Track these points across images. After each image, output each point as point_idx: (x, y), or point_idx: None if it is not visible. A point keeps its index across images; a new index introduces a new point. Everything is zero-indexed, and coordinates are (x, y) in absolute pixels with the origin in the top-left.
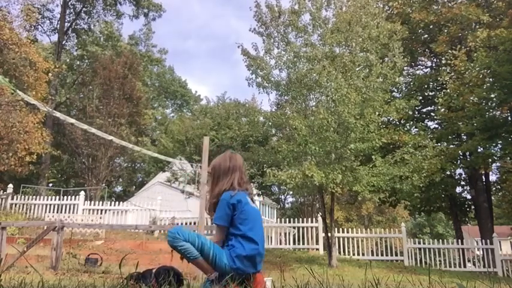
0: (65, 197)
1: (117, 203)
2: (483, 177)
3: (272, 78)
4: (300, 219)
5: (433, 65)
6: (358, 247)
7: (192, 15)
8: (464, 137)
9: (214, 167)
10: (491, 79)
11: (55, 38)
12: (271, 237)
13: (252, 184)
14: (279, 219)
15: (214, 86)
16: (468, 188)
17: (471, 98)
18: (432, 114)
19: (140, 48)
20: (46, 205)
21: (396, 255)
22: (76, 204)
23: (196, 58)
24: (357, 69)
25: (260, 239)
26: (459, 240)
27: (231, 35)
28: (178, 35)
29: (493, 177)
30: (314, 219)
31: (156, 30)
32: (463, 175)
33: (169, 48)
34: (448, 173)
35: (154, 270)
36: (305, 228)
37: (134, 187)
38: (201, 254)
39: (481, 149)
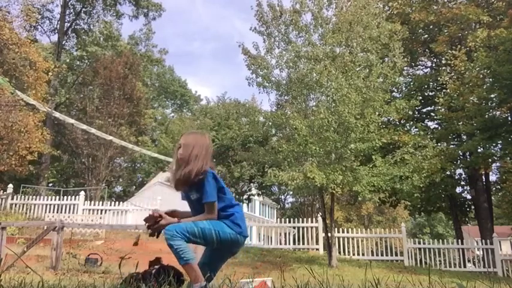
0: (65, 197)
1: (117, 203)
2: (483, 177)
3: (272, 78)
4: (300, 219)
5: (433, 65)
6: (358, 247)
7: (197, 18)
8: (464, 137)
9: (194, 145)
10: (491, 79)
11: (55, 38)
12: (271, 237)
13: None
14: (279, 219)
15: (218, 87)
16: (468, 188)
17: (471, 98)
18: (432, 114)
19: (140, 48)
20: (46, 205)
21: (396, 255)
22: (76, 204)
23: (200, 60)
24: (358, 69)
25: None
26: (459, 240)
27: (235, 36)
28: (183, 36)
29: (493, 177)
30: (314, 219)
31: (160, 32)
32: (463, 175)
33: (174, 49)
34: (448, 173)
35: (153, 271)
36: (305, 228)
37: (134, 187)
38: (205, 240)
39: (481, 149)
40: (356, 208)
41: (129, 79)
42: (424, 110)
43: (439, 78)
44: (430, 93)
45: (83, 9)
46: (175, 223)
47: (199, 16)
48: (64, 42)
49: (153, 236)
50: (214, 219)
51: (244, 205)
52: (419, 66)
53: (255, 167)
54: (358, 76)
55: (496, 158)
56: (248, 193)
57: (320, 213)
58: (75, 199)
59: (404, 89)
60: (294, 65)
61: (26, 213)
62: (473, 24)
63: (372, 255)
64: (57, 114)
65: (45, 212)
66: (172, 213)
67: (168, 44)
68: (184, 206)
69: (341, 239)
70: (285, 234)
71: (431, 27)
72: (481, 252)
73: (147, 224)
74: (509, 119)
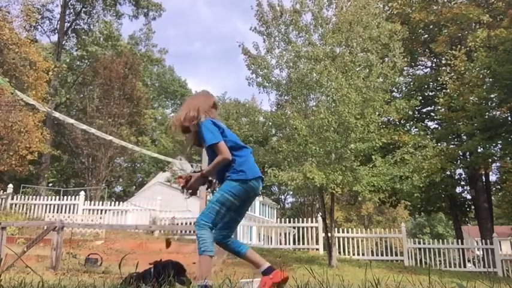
0: (65, 197)
1: (117, 203)
2: (483, 177)
3: (272, 78)
4: (300, 219)
5: (433, 65)
6: (358, 247)
7: (198, 19)
8: (464, 137)
9: (188, 101)
10: (491, 79)
11: (55, 38)
12: (271, 237)
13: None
14: (279, 219)
15: (218, 87)
16: (468, 188)
17: (471, 98)
18: (432, 114)
19: (140, 48)
20: (46, 205)
21: (396, 255)
22: (76, 204)
23: (201, 60)
24: (358, 69)
25: (239, 141)
26: (459, 240)
27: (236, 37)
28: (184, 37)
29: (493, 177)
30: (314, 219)
31: (162, 33)
32: (463, 175)
33: (175, 50)
34: (448, 173)
35: (152, 269)
36: (305, 228)
37: (134, 187)
38: (227, 206)
39: (481, 149)
40: (356, 208)
41: (129, 79)
42: (424, 110)
43: (439, 78)
44: (430, 93)
45: (83, 9)
46: (199, 177)
47: (200, 17)
48: (64, 42)
49: (193, 194)
50: (228, 157)
51: None
52: (419, 66)
53: None
54: (358, 76)
55: (496, 158)
56: None
57: (320, 213)
58: (75, 199)
59: (404, 89)
60: (294, 65)
61: (26, 213)
62: (473, 24)
63: (372, 255)
64: (57, 114)
65: (45, 212)
66: (198, 172)
67: (169, 44)
68: (183, 207)
69: (341, 239)
70: (285, 234)
71: (431, 27)
72: (481, 252)
73: (182, 186)
74: (509, 119)
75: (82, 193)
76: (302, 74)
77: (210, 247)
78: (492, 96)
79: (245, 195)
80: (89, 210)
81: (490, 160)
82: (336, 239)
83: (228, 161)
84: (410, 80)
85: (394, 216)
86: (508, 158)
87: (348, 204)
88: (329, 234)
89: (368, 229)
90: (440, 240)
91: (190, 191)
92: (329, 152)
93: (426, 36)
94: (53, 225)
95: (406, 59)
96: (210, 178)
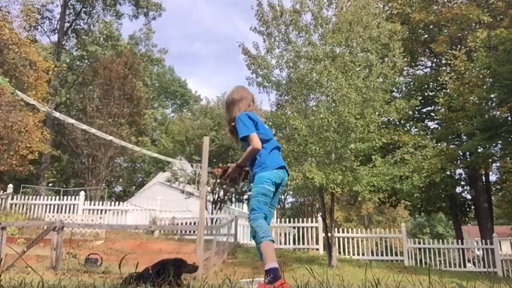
0: (65, 197)
1: (117, 203)
2: (483, 177)
3: (272, 78)
4: (300, 219)
5: (433, 65)
6: (358, 247)
7: (199, 19)
8: (464, 137)
9: (226, 101)
10: (491, 79)
11: (55, 38)
12: None
13: None
14: (279, 219)
15: (219, 87)
16: (468, 188)
17: (471, 98)
18: (432, 114)
19: (140, 48)
20: (46, 205)
21: (396, 255)
22: (76, 204)
23: (202, 60)
24: (358, 69)
25: (272, 135)
26: (459, 240)
27: (237, 37)
28: (185, 37)
29: (493, 177)
30: (314, 219)
31: (163, 33)
32: (463, 175)
33: (176, 50)
34: (448, 173)
35: (150, 270)
36: (305, 228)
37: (134, 187)
38: (266, 195)
39: (481, 149)
40: (356, 208)
41: (129, 79)
42: (424, 110)
43: (439, 78)
44: (430, 93)
45: (83, 9)
46: (235, 167)
47: (200, 17)
48: (64, 42)
49: (233, 182)
50: (258, 147)
51: (245, 205)
52: (419, 66)
53: None
54: (358, 76)
55: (496, 158)
56: (248, 193)
57: (320, 213)
58: (75, 199)
59: (404, 89)
60: (294, 65)
61: (26, 213)
62: (473, 24)
63: (372, 255)
64: (57, 114)
65: (45, 212)
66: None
67: (170, 45)
68: (183, 207)
69: (341, 239)
70: (285, 234)
71: (431, 27)
72: (481, 252)
73: (219, 175)
74: (509, 119)
75: (82, 193)
76: (302, 74)
77: (268, 233)
78: (492, 96)
79: (275, 179)
80: (89, 210)
81: (490, 160)
82: (336, 239)
83: (258, 150)
84: (410, 80)
85: (394, 216)
86: (508, 158)
87: (348, 204)
88: (329, 234)
89: (368, 229)
90: (440, 240)
91: (228, 180)
92: (329, 152)
93: (426, 36)
94: (53, 225)
95: (406, 59)
96: (246, 169)
